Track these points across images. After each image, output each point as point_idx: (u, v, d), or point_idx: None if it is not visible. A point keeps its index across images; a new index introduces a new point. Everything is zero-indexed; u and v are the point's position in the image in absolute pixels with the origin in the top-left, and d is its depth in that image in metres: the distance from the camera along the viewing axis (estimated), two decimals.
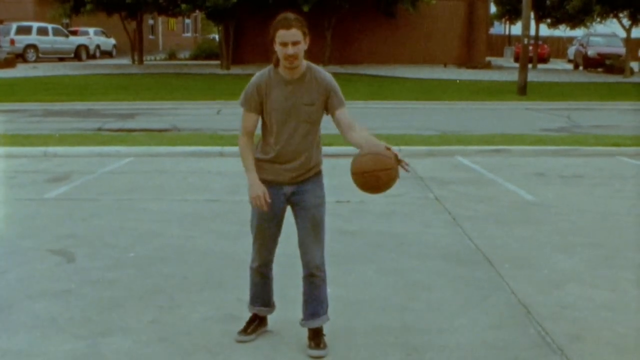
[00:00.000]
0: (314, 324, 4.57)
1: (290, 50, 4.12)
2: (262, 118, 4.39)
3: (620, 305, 5.43)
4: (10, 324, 4.95)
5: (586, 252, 6.71)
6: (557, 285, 5.80)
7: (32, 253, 6.56)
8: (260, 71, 4.39)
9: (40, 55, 38.74)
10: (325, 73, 4.36)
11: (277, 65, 4.29)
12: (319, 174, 4.52)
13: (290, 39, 4.11)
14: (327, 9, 33.29)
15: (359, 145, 4.13)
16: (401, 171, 3.98)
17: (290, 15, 4.18)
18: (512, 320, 5.07)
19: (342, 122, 4.28)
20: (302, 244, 4.52)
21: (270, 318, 4.86)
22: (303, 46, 4.17)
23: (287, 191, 4.45)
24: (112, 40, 46.28)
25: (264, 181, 4.41)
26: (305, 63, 4.29)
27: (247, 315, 4.82)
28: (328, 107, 4.32)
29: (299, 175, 4.42)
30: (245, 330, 4.73)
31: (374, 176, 3.96)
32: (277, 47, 4.16)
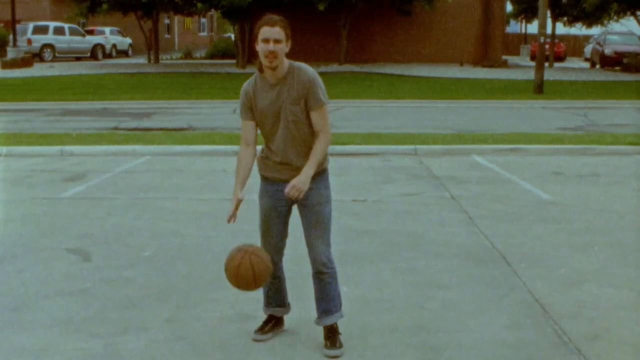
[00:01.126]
0: (327, 321, 4.56)
1: (271, 46, 4.15)
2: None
3: (638, 304, 5.39)
4: (27, 322, 4.97)
5: (603, 251, 6.67)
6: (574, 284, 5.76)
7: (49, 252, 6.59)
8: (248, 79, 4.44)
9: (57, 54, 39.04)
10: (307, 71, 4.33)
11: (262, 70, 4.33)
12: (323, 172, 4.49)
13: (272, 35, 4.16)
14: (343, 8, 33.26)
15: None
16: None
17: (276, 17, 4.25)
18: (529, 320, 5.04)
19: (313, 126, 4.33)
20: (307, 242, 4.53)
21: (286, 317, 4.85)
22: (284, 47, 4.20)
23: None
24: (128, 40, 46.53)
25: (267, 179, 4.49)
26: (287, 63, 4.31)
27: (263, 314, 4.82)
28: (307, 106, 4.32)
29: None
30: (261, 330, 4.74)
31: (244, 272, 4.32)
32: (259, 45, 4.19)
